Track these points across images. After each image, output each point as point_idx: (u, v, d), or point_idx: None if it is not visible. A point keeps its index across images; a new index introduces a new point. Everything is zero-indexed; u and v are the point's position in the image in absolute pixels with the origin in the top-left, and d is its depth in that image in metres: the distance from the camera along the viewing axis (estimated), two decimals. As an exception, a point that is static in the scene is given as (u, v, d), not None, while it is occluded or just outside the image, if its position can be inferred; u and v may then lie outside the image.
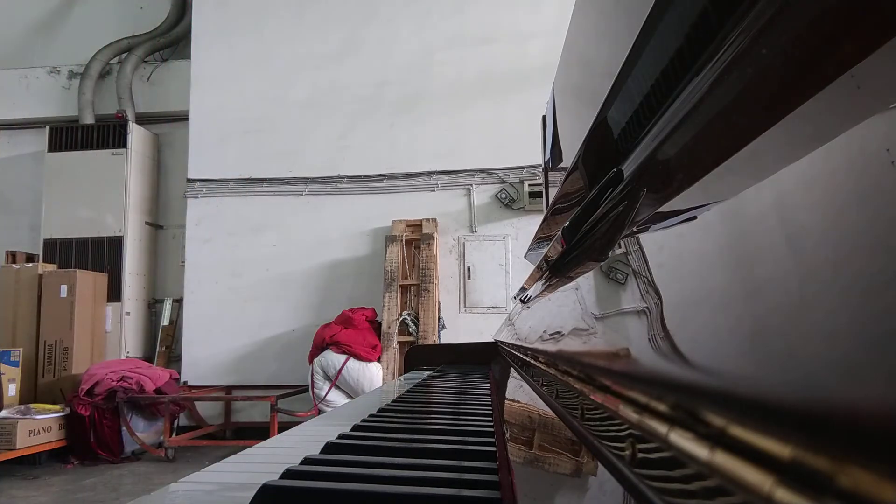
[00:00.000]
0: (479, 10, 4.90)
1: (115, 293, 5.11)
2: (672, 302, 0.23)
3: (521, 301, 1.20)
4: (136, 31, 5.71)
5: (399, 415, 0.62)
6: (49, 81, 5.77)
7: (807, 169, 0.15)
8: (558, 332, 0.49)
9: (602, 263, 0.40)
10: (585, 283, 0.46)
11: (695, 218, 0.24)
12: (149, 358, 5.13)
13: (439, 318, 4.46)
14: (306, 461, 0.38)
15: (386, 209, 4.80)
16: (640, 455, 0.18)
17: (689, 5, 0.29)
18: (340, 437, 0.47)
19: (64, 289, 4.67)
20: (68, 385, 4.32)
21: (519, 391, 0.63)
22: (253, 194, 4.99)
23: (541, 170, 2.69)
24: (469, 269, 4.68)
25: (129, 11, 5.89)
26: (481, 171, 4.75)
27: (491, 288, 4.63)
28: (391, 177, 4.87)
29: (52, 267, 4.94)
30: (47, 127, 5.34)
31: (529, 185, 4.59)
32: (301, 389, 4.34)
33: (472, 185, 4.76)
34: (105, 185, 5.18)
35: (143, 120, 5.50)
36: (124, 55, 5.62)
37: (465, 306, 4.66)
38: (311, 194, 4.95)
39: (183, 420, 4.73)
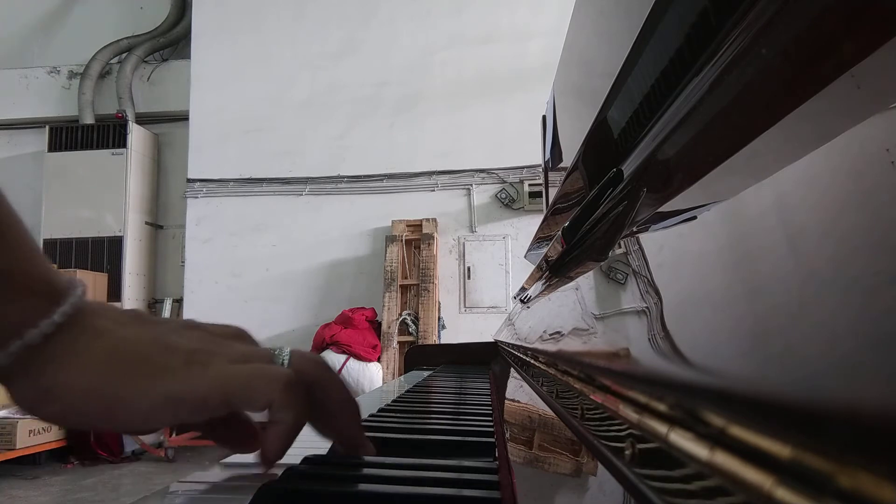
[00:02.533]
0: (479, 10, 4.90)
1: (115, 293, 5.11)
2: (672, 302, 0.23)
3: (521, 301, 1.20)
4: (136, 31, 5.70)
5: (399, 414, 0.62)
6: (49, 81, 5.77)
7: (807, 169, 0.15)
8: (558, 332, 0.49)
9: (602, 263, 0.40)
10: (585, 283, 0.46)
11: (695, 218, 0.24)
12: (149, 358, 5.12)
13: (439, 318, 4.46)
14: (306, 461, 0.38)
15: (386, 209, 4.80)
16: (640, 455, 0.18)
17: (689, 5, 0.29)
18: (340, 437, 0.47)
19: (64, 289, 4.66)
20: (68, 385, 4.31)
21: (519, 391, 0.63)
22: (253, 194, 4.99)
23: (541, 170, 2.69)
24: (469, 269, 4.68)
25: (129, 11, 5.89)
26: (481, 171, 4.75)
27: (491, 288, 4.63)
28: (391, 177, 4.87)
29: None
30: (47, 127, 5.34)
31: (529, 185, 4.59)
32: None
33: (471, 185, 4.76)
34: (105, 185, 5.18)
35: (142, 120, 5.50)
36: (124, 55, 5.62)
37: (465, 306, 4.66)
38: (311, 194, 4.95)
39: (183, 420, 4.73)
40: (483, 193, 4.75)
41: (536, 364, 0.54)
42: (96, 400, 0.29)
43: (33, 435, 3.71)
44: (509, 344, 1.03)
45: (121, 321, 0.32)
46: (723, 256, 0.19)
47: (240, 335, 0.36)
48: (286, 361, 0.35)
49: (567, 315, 0.48)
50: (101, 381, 0.30)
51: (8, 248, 0.29)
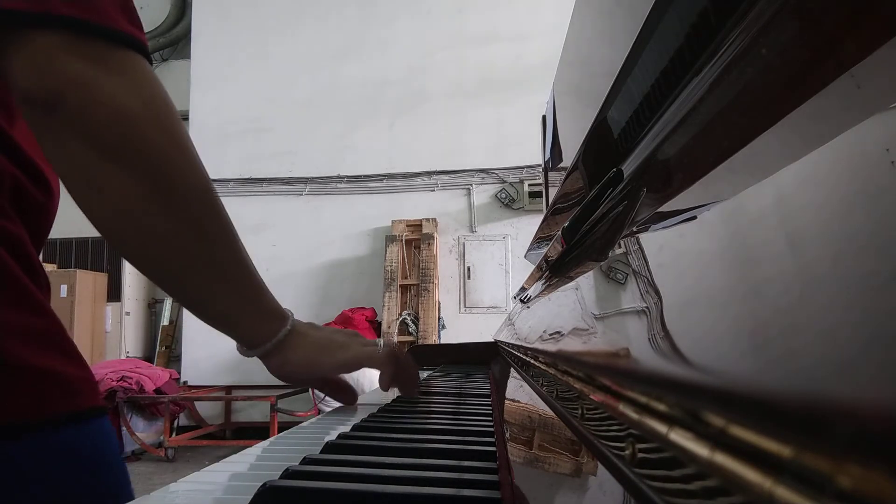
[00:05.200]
0: (479, 10, 4.90)
1: (114, 293, 5.12)
2: (672, 302, 0.23)
3: (521, 301, 1.20)
4: (136, 31, 5.70)
5: (399, 414, 0.62)
6: (49, 81, 5.77)
7: (807, 169, 0.15)
8: (558, 332, 0.49)
9: (602, 263, 0.40)
10: (585, 282, 0.46)
11: (695, 218, 0.24)
12: (149, 358, 5.13)
13: (439, 318, 4.46)
14: (306, 461, 0.38)
15: (386, 209, 4.80)
16: (640, 455, 0.18)
17: (689, 5, 0.29)
18: (340, 436, 0.47)
19: (64, 289, 4.67)
20: (68, 385, 4.31)
21: (519, 391, 0.63)
22: (253, 194, 4.99)
23: (541, 170, 2.70)
24: (469, 268, 4.68)
25: (129, 11, 5.88)
26: (481, 170, 4.75)
27: (491, 288, 4.63)
28: (391, 177, 4.87)
29: (51, 267, 4.94)
30: (47, 127, 5.33)
31: (529, 185, 4.59)
32: (301, 389, 4.34)
33: (471, 184, 4.76)
34: (105, 185, 5.17)
35: (143, 120, 5.49)
36: (124, 55, 5.62)
37: (464, 306, 4.66)
38: (311, 194, 4.95)
39: (183, 420, 4.74)
40: (483, 193, 4.76)
41: (536, 364, 0.54)
42: (306, 366, 0.61)
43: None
44: (509, 344, 1.03)
45: (310, 328, 0.63)
46: (723, 256, 0.19)
47: (356, 334, 0.69)
48: (382, 346, 0.67)
49: (567, 315, 0.48)
50: (308, 357, 0.61)
51: (266, 297, 0.58)
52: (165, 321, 5.26)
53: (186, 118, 5.13)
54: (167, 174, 0.47)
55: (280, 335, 0.58)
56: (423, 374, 1.19)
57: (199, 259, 0.50)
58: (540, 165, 1.89)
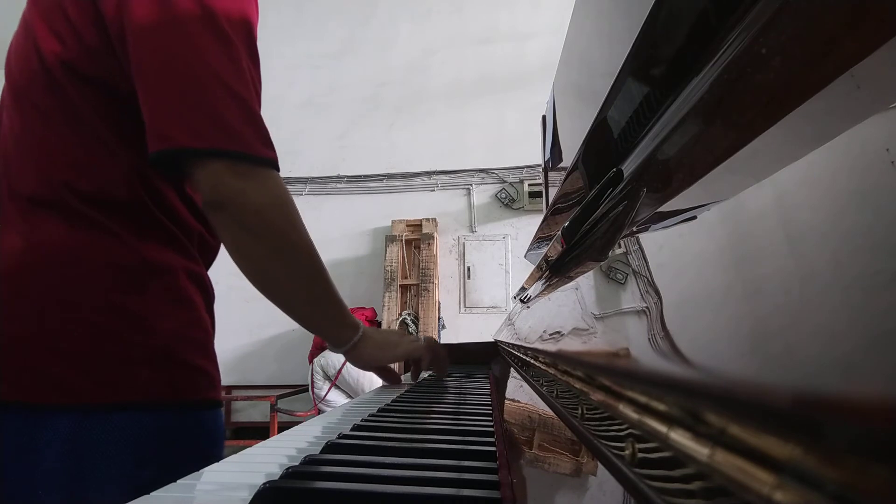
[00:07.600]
0: (478, 10, 4.90)
1: (115, 293, 5.10)
2: (672, 302, 0.23)
3: (521, 301, 1.20)
4: (136, 31, 5.69)
5: (399, 414, 0.62)
6: (49, 81, 5.76)
7: (807, 169, 0.15)
8: (558, 332, 0.49)
9: (602, 263, 0.40)
10: (585, 282, 0.46)
11: (695, 218, 0.24)
12: (149, 358, 5.12)
13: (439, 318, 4.46)
14: (307, 461, 0.38)
15: (386, 209, 4.80)
16: (640, 455, 0.18)
17: (689, 5, 0.29)
18: (341, 436, 0.47)
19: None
20: (68, 385, 4.30)
21: (519, 391, 0.63)
22: (253, 194, 4.98)
23: (541, 170, 2.70)
24: (469, 268, 4.68)
25: (129, 11, 5.88)
26: (481, 170, 4.75)
27: (491, 288, 4.63)
28: (391, 177, 4.87)
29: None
30: (47, 127, 5.32)
31: (529, 185, 4.59)
32: (301, 389, 4.34)
33: (471, 184, 4.76)
34: (105, 185, 5.16)
35: (143, 120, 5.49)
36: (124, 55, 5.61)
37: (464, 306, 4.66)
38: (311, 194, 4.95)
39: (183, 420, 4.73)
40: (483, 193, 4.75)
41: (536, 364, 0.54)
42: (373, 359, 0.89)
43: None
44: (509, 344, 1.03)
45: (374, 332, 0.89)
46: (723, 256, 0.19)
47: (404, 334, 0.99)
48: (423, 339, 1.00)
49: (567, 315, 0.48)
50: (373, 353, 0.88)
51: (346, 316, 0.84)
52: (165, 321, 5.26)
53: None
54: (287, 244, 0.72)
55: (355, 339, 0.86)
56: (423, 374, 1.19)
57: (304, 295, 0.76)
58: (540, 165, 1.89)
